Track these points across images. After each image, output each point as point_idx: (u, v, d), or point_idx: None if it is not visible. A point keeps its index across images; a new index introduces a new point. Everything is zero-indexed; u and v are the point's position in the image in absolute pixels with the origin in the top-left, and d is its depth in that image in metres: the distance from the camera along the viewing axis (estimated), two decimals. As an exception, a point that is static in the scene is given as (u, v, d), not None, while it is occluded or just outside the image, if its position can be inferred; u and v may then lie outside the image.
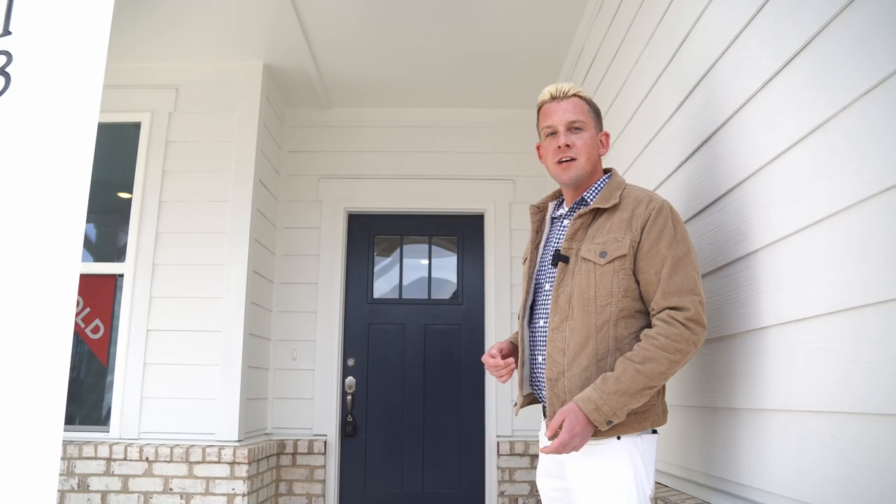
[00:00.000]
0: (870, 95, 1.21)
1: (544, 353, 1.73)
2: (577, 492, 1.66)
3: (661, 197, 1.72)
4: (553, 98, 1.80)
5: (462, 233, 4.49)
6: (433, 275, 4.48)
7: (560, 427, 1.56)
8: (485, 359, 1.84)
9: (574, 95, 1.79)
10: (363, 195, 4.45)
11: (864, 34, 1.23)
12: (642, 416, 1.63)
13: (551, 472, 1.79)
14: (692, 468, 2.08)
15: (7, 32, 1.35)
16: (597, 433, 1.59)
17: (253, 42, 3.77)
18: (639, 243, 1.64)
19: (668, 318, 1.58)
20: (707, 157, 1.97)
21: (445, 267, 4.50)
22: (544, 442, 1.83)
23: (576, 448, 1.57)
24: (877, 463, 1.20)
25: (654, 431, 1.69)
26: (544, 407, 1.80)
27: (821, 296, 1.36)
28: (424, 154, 4.49)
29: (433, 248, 4.53)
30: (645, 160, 2.58)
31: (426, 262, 4.51)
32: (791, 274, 1.49)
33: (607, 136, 1.86)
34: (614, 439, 1.61)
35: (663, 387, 1.70)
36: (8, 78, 1.31)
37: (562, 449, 1.55)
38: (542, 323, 1.77)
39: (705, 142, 1.97)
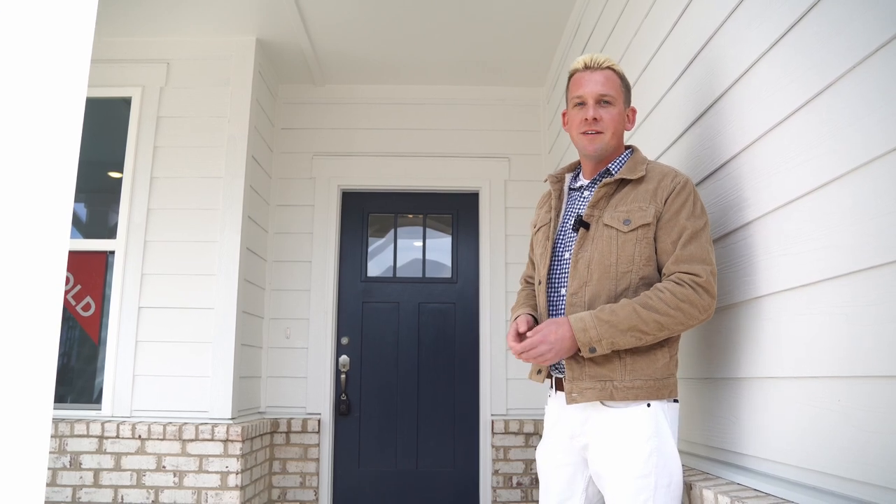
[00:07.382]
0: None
1: None
2: (600, 464, 1.63)
3: (684, 174, 1.74)
4: (586, 67, 1.78)
5: (457, 211, 4.46)
6: (427, 256, 4.45)
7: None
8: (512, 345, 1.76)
9: (608, 68, 1.77)
10: (357, 173, 4.41)
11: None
12: (662, 383, 1.62)
13: (558, 447, 1.77)
14: (692, 441, 2.07)
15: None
16: (624, 397, 1.59)
17: (245, 16, 3.71)
18: (661, 214, 1.66)
19: (678, 279, 1.59)
20: (708, 126, 1.95)
21: (439, 248, 4.46)
22: (552, 413, 1.81)
23: (542, 358, 1.59)
24: (880, 426, 1.19)
25: (676, 400, 1.67)
26: (554, 379, 1.78)
27: (825, 261, 1.35)
28: (419, 131, 4.45)
29: (427, 230, 4.49)
30: (645, 130, 2.55)
31: (420, 243, 4.48)
32: (792, 240, 1.48)
33: (634, 111, 1.86)
34: (644, 406, 1.60)
35: (676, 359, 1.69)
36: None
37: (529, 348, 1.59)
38: (563, 291, 1.74)
39: (707, 110, 1.95)
